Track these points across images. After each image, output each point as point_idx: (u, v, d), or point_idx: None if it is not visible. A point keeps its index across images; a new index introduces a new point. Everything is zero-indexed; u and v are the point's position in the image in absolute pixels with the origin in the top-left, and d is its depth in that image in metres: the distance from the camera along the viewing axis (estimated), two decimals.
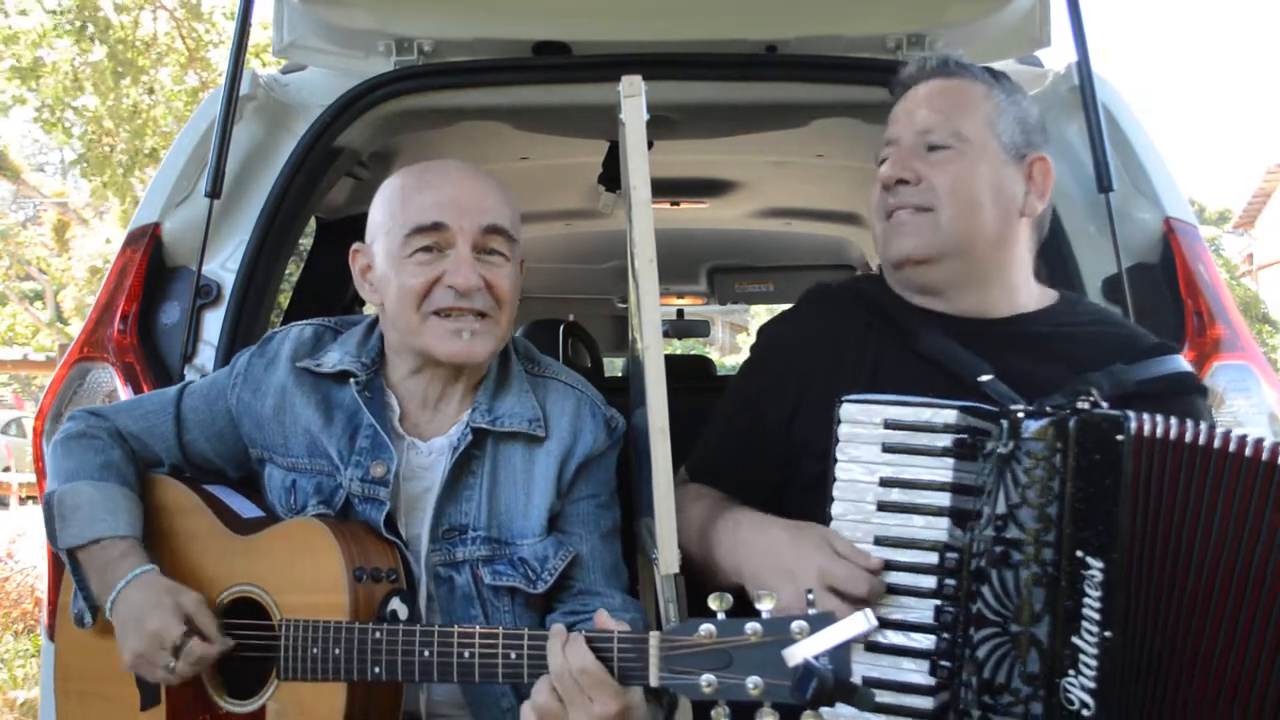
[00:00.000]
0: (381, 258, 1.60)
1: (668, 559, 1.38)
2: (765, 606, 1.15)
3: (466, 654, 1.31)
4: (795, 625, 1.13)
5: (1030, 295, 1.64)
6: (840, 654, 1.11)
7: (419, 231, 1.55)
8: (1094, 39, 2.04)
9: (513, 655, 1.29)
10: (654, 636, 1.20)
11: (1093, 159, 2.03)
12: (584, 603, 1.60)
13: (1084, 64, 2.06)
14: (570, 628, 1.28)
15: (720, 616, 1.17)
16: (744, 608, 1.21)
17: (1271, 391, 1.90)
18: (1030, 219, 1.62)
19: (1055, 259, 2.05)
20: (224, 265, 2.11)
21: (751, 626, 1.15)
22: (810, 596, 1.17)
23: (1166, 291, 2.00)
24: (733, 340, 22.55)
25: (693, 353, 11.18)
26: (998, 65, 2.14)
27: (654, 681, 1.20)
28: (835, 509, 1.38)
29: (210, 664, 1.49)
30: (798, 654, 1.11)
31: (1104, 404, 1.35)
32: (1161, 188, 2.08)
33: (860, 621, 1.09)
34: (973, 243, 1.57)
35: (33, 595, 5.98)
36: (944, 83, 1.64)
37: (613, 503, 1.69)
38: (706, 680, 1.15)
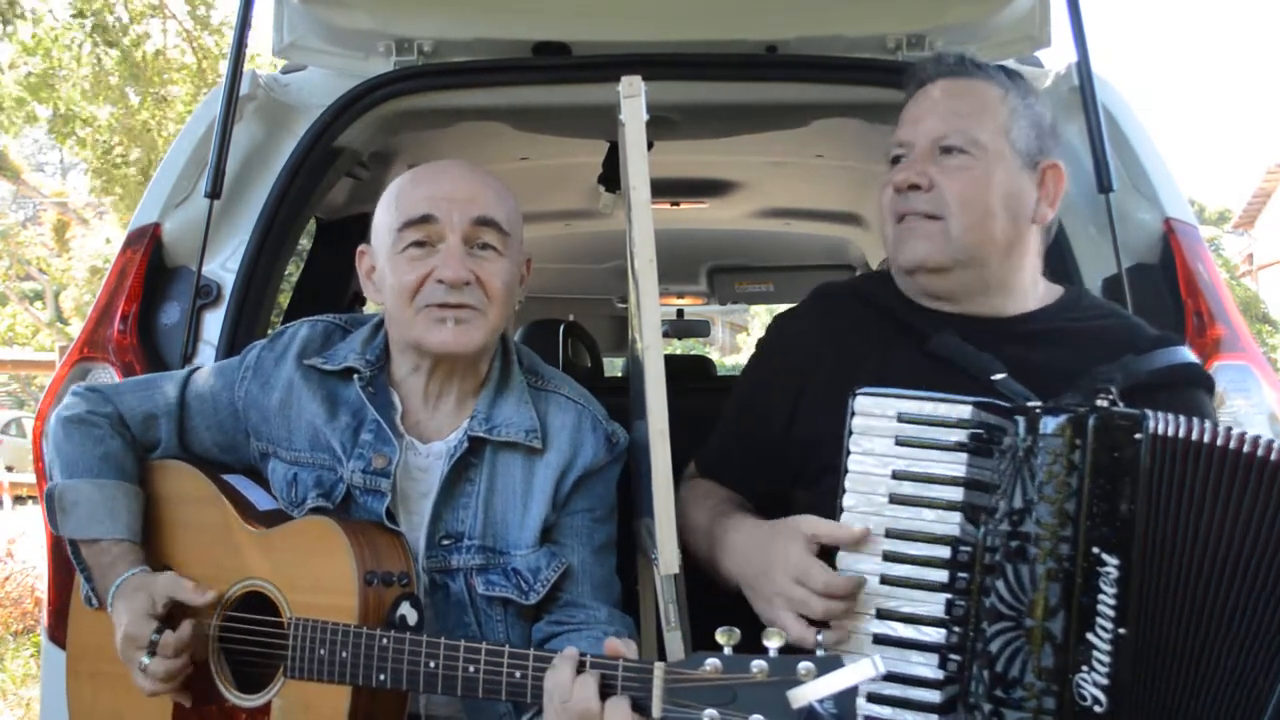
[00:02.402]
0: (381, 257, 1.61)
1: (667, 559, 1.38)
2: (773, 644, 1.13)
3: (471, 669, 1.31)
4: (802, 666, 1.11)
5: (1037, 294, 1.64)
6: (845, 700, 1.09)
7: (409, 225, 1.56)
8: (1094, 39, 2.03)
9: (517, 674, 1.29)
10: (659, 667, 1.19)
11: (1093, 159, 2.03)
12: (570, 614, 1.60)
13: (1084, 64, 2.06)
14: (582, 658, 1.26)
15: (727, 651, 1.15)
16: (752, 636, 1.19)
17: (1271, 391, 1.90)
18: (1040, 225, 1.61)
19: (1056, 259, 2.04)
20: (224, 265, 2.10)
21: (757, 664, 1.13)
22: (819, 638, 1.15)
23: (1166, 292, 2.00)
24: (733, 340, 22.55)
25: (693, 353, 11.17)
26: None
27: (656, 713, 1.18)
28: (846, 500, 1.37)
29: (198, 642, 1.49)
30: (802, 697, 1.09)
31: (1120, 403, 1.35)
32: (1161, 188, 2.08)
33: (868, 667, 1.07)
34: (985, 252, 1.56)
35: (33, 595, 5.98)
36: (960, 83, 1.61)
37: (609, 518, 1.69)
38: (709, 715, 1.13)
